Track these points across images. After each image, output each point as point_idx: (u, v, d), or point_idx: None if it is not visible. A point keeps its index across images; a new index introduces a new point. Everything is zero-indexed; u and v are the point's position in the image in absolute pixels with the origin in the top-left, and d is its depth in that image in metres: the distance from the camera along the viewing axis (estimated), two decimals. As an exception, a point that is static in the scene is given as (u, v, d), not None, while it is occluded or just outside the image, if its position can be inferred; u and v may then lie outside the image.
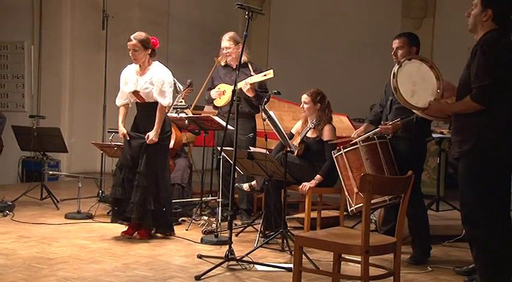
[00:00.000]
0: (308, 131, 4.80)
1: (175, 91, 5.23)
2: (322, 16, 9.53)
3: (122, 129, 4.62)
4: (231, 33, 5.37)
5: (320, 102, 4.82)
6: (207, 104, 5.88)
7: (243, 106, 5.29)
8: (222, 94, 5.29)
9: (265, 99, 4.66)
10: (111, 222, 4.76)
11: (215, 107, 5.48)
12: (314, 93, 4.84)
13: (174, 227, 4.85)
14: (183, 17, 9.33)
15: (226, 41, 5.32)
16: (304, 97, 4.85)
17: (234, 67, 5.32)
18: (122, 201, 4.55)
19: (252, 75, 5.18)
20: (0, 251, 4.04)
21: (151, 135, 4.47)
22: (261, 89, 5.22)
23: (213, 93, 5.36)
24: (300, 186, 4.64)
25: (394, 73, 3.51)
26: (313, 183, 4.62)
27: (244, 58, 5.28)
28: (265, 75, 5.04)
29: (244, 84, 5.10)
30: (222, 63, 5.47)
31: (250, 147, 4.73)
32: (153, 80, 4.51)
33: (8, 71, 8.88)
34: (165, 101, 4.51)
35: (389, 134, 4.07)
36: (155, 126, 4.49)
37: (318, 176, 4.64)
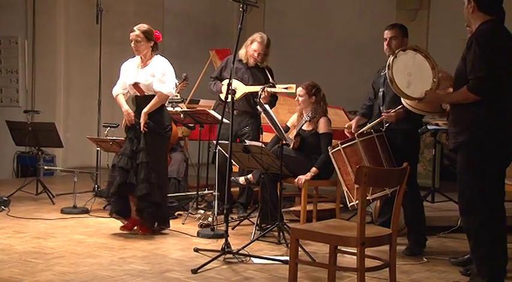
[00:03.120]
0: (304, 124, 4.80)
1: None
2: (317, 8, 9.51)
3: (130, 111, 4.49)
4: (266, 36, 5.23)
5: (315, 95, 4.82)
6: (212, 93, 5.81)
7: (254, 105, 5.26)
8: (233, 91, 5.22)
9: (261, 93, 4.65)
10: (109, 212, 4.63)
11: (221, 101, 5.43)
12: (309, 86, 4.84)
13: (171, 221, 4.85)
14: (178, 10, 9.29)
15: (262, 46, 5.14)
16: (299, 90, 4.85)
17: (252, 65, 5.26)
18: (127, 173, 4.41)
19: (269, 81, 5.07)
20: (-4, 246, 4.04)
21: (142, 114, 4.40)
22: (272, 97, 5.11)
23: (225, 88, 5.29)
24: (296, 180, 4.64)
25: (389, 64, 3.51)
26: (308, 175, 4.62)
27: (263, 64, 5.25)
28: (286, 88, 4.93)
29: (262, 91, 4.87)
30: (242, 57, 5.27)
31: (246, 141, 4.73)
32: (154, 72, 4.46)
33: (2, 66, 8.84)
34: (165, 88, 4.44)
35: (392, 121, 4.05)
36: (148, 105, 4.40)
37: (313, 169, 4.64)
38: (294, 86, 4.90)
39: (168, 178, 5.46)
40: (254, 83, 5.18)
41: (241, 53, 5.28)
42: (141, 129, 4.42)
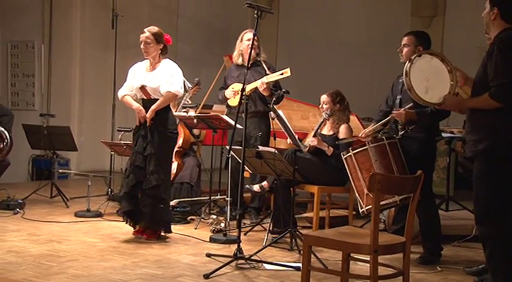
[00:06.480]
0: (321, 123, 4.77)
1: (184, 90, 5.21)
2: (331, 14, 9.51)
3: (142, 108, 4.47)
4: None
5: (340, 103, 4.80)
6: (220, 103, 5.85)
7: (258, 105, 5.27)
8: (236, 94, 5.24)
9: (275, 98, 4.65)
10: (119, 211, 4.65)
11: (229, 107, 5.45)
12: (334, 93, 4.81)
13: (183, 226, 4.85)
14: (192, 16, 9.34)
15: (251, 34, 5.17)
16: (324, 97, 4.83)
17: (249, 66, 5.29)
18: (141, 171, 4.39)
19: (267, 74, 5.11)
20: (10, 248, 4.07)
21: (149, 110, 4.40)
22: (275, 87, 5.12)
23: (228, 93, 5.32)
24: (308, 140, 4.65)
25: (406, 71, 3.47)
26: (322, 144, 4.61)
27: (260, 57, 5.28)
28: (282, 74, 4.94)
29: (260, 84, 5.05)
30: (239, 62, 5.38)
31: (259, 146, 4.72)
32: (162, 75, 4.46)
33: (19, 70, 8.94)
34: (172, 87, 4.41)
35: (401, 120, 4.03)
36: (156, 103, 4.39)
37: (330, 148, 4.64)
38: (288, 69, 4.91)
39: (180, 183, 5.50)
40: (257, 79, 5.17)
41: (235, 55, 5.37)
42: (148, 123, 4.41)
